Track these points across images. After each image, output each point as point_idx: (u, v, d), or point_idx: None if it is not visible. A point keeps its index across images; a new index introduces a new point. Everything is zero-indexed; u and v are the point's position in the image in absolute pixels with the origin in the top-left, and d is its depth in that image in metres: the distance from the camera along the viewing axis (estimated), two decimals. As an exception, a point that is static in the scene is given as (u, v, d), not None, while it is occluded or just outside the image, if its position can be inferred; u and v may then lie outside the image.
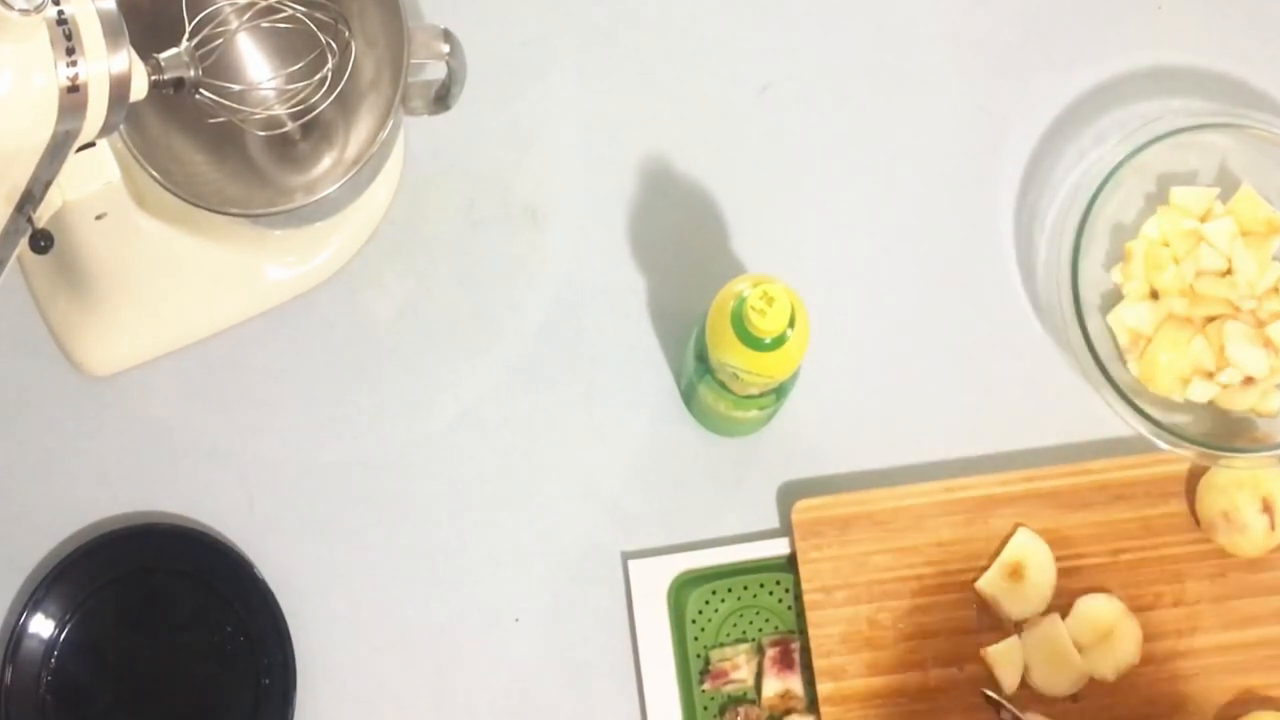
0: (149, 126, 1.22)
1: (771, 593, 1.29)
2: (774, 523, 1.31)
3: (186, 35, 1.13)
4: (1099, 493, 1.28)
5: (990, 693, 1.24)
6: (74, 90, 0.95)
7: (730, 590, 1.29)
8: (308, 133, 1.26)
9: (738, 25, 1.41)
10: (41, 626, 1.28)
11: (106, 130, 1.00)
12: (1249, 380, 1.29)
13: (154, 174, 1.18)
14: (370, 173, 1.24)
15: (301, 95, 1.20)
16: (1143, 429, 1.27)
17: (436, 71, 1.24)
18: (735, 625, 1.29)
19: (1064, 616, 1.26)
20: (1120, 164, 1.30)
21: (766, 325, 1.10)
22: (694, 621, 1.28)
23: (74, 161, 1.02)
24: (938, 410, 1.33)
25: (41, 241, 1.07)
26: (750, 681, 1.27)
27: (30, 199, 1.02)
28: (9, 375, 1.34)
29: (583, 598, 1.30)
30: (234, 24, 1.19)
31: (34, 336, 1.34)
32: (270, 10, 1.19)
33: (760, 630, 1.28)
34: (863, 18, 1.41)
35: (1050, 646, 1.25)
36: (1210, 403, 1.30)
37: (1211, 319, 1.30)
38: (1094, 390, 1.29)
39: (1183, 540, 1.28)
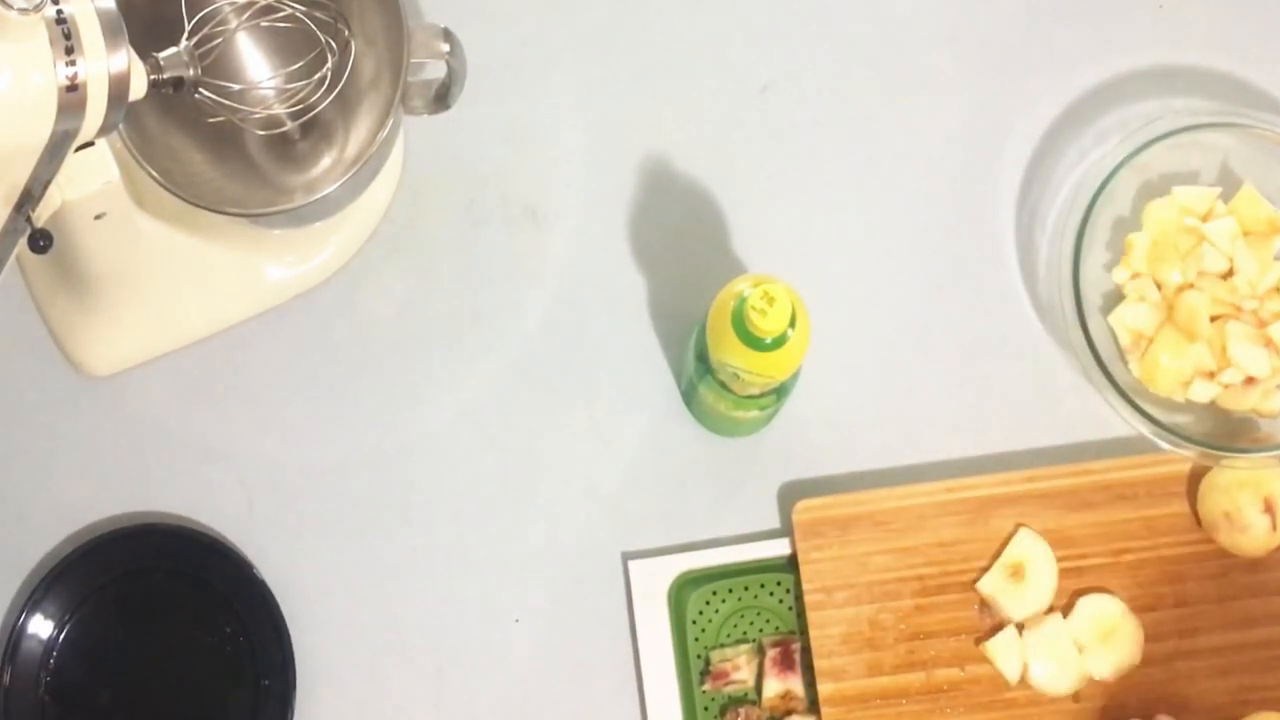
0: (148, 126, 1.22)
1: (772, 593, 1.29)
2: (775, 523, 1.31)
3: (186, 34, 1.13)
4: (1100, 493, 1.28)
5: None
6: (73, 89, 0.95)
7: (731, 591, 1.29)
8: (307, 132, 1.26)
9: (738, 25, 1.41)
10: (40, 627, 1.28)
11: (105, 130, 1.00)
12: (1250, 380, 1.29)
13: (153, 174, 1.18)
14: (370, 172, 1.24)
15: (301, 94, 1.20)
16: (1144, 429, 1.27)
17: (436, 71, 1.24)
18: (736, 626, 1.28)
19: (1065, 616, 1.26)
20: (1122, 163, 1.30)
21: (767, 325, 1.10)
22: (694, 622, 1.28)
23: (73, 161, 1.02)
24: (939, 410, 1.33)
25: (40, 241, 1.07)
26: (751, 682, 1.27)
27: (29, 198, 1.02)
28: (8, 375, 1.34)
29: (583, 598, 1.30)
30: (233, 23, 1.19)
31: (33, 336, 1.34)
32: (269, 9, 1.18)
33: (761, 631, 1.28)
34: (863, 17, 1.41)
35: (1051, 645, 1.25)
36: (1212, 403, 1.30)
37: (1213, 319, 1.30)
38: (1095, 390, 1.29)
39: (1184, 540, 1.28)
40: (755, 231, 1.36)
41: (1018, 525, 1.27)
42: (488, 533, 1.31)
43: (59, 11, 0.94)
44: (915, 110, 1.39)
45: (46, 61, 0.94)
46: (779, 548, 1.29)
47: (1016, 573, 1.26)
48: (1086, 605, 1.26)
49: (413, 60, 1.19)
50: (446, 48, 1.20)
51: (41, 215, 1.08)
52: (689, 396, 1.31)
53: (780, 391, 1.22)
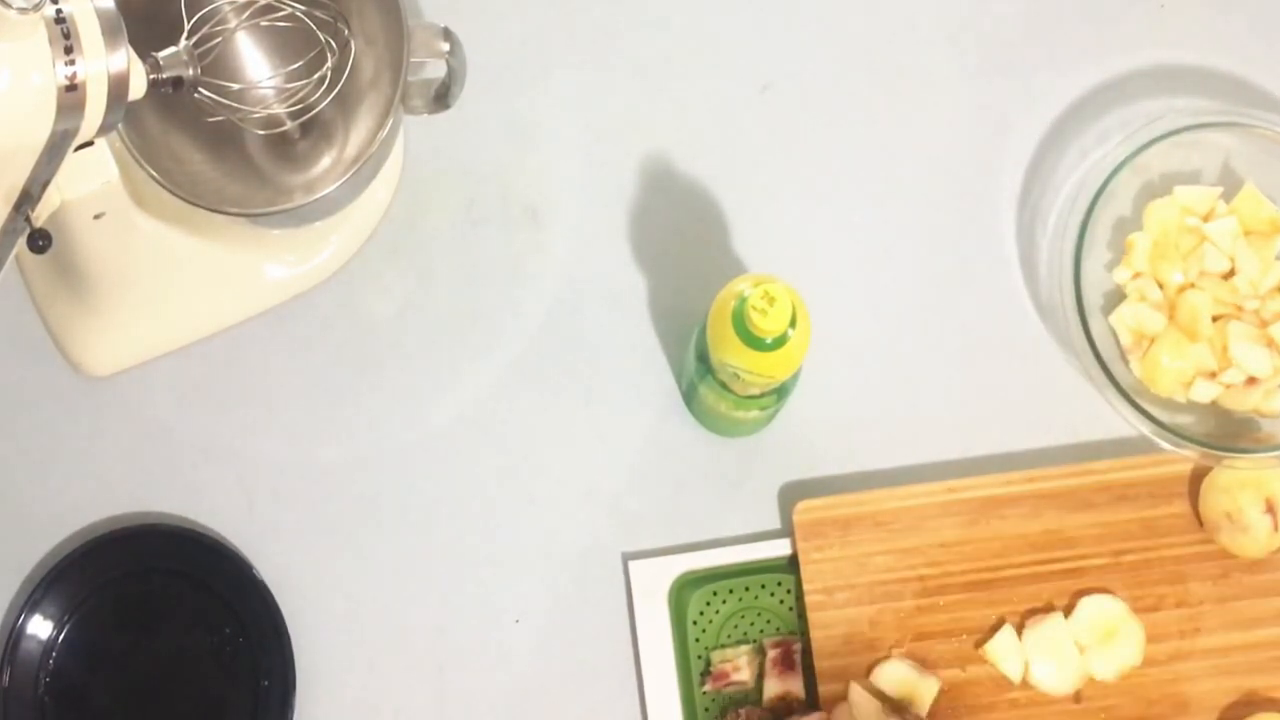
0: (148, 125, 1.21)
1: (773, 594, 1.29)
2: (775, 523, 1.31)
3: (185, 34, 1.13)
4: (1102, 493, 1.28)
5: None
6: (72, 89, 0.95)
7: (731, 591, 1.28)
8: (307, 132, 1.26)
9: (738, 24, 1.40)
10: (40, 628, 1.28)
11: (105, 129, 1.00)
12: (1252, 380, 1.29)
13: (153, 173, 1.17)
14: (370, 172, 1.24)
15: (301, 94, 1.20)
16: (1145, 429, 1.27)
17: (436, 70, 1.24)
18: (736, 626, 1.28)
19: (1067, 616, 1.26)
20: (1123, 163, 1.30)
21: (768, 325, 1.10)
22: (695, 622, 1.28)
23: (72, 160, 1.02)
24: (940, 410, 1.33)
25: (40, 241, 1.07)
26: (751, 683, 1.27)
27: (28, 198, 1.02)
28: (7, 375, 1.34)
29: (583, 599, 1.30)
30: (233, 22, 1.19)
31: (32, 336, 1.33)
32: (269, 9, 1.18)
33: (761, 631, 1.28)
34: (864, 16, 1.41)
35: (1052, 646, 1.25)
36: (1213, 403, 1.30)
37: (1215, 319, 1.29)
38: (1096, 390, 1.29)
39: (1186, 541, 1.28)
40: (756, 231, 1.36)
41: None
42: (488, 533, 1.31)
43: (58, 11, 0.94)
44: (916, 110, 1.39)
45: (45, 61, 0.94)
46: (780, 548, 1.29)
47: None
48: (1088, 606, 1.26)
49: (413, 59, 1.19)
50: (446, 47, 1.20)
51: (40, 215, 1.08)
52: (689, 396, 1.30)
53: (781, 391, 1.22)
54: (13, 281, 1.34)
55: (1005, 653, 1.25)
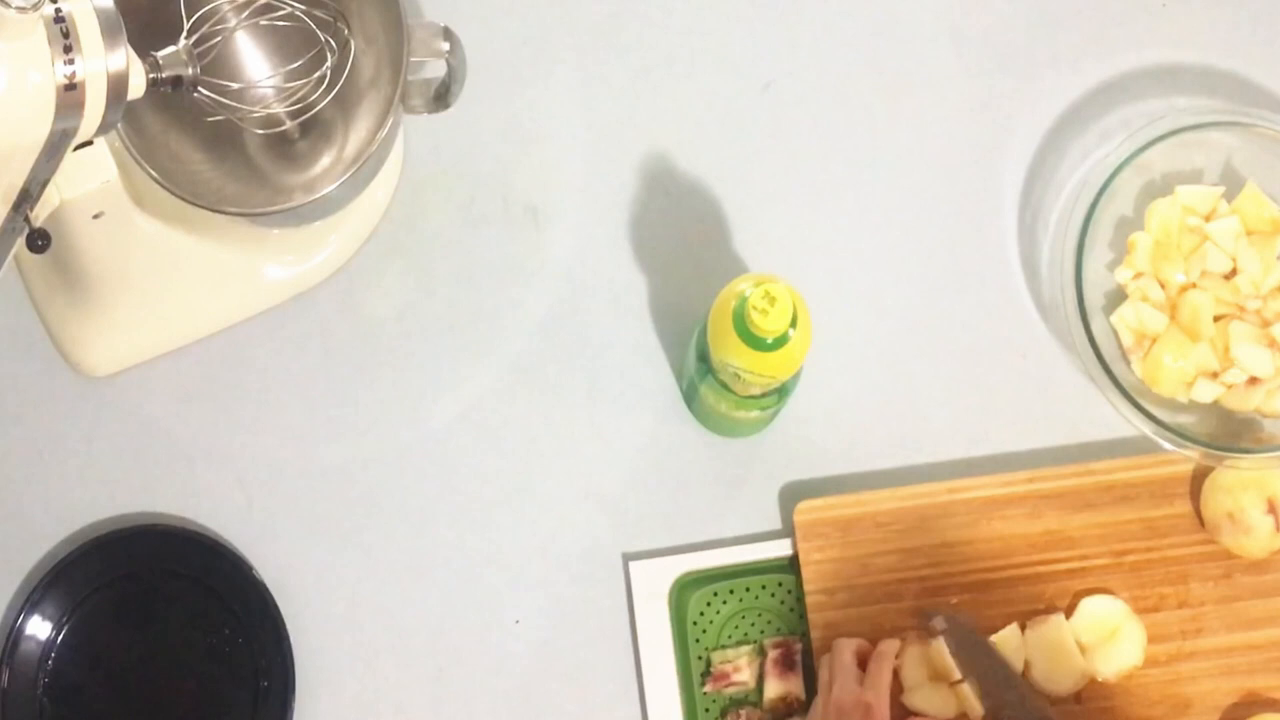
0: (147, 125, 1.21)
1: (773, 594, 1.28)
2: (776, 524, 1.31)
3: (184, 33, 1.13)
4: (1103, 494, 1.28)
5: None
6: (71, 88, 0.95)
7: (732, 592, 1.28)
8: (306, 131, 1.26)
9: (740, 23, 1.40)
10: (38, 628, 1.28)
11: (104, 129, 1.00)
12: (1254, 380, 1.29)
13: (152, 173, 1.17)
14: (369, 171, 1.23)
15: (300, 93, 1.19)
16: (1147, 429, 1.26)
17: (436, 69, 1.24)
18: (737, 627, 1.28)
19: (1068, 617, 1.25)
20: (1125, 162, 1.30)
21: (768, 325, 1.10)
22: (695, 623, 1.28)
23: (71, 160, 1.02)
24: (940, 410, 1.33)
25: (39, 240, 1.07)
26: (752, 684, 1.26)
27: (27, 197, 1.02)
28: (6, 376, 1.34)
29: (583, 599, 1.30)
30: (232, 22, 1.19)
31: (31, 336, 1.33)
32: (268, 8, 1.18)
33: (762, 632, 1.28)
34: (865, 15, 1.40)
35: (1054, 646, 1.25)
36: (1215, 403, 1.30)
37: (1217, 319, 1.29)
38: (1098, 390, 1.28)
39: (1187, 541, 1.28)
40: (756, 231, 1.36)
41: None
42: (488, 533, 1.31)
43: (57, 10, 0.94)
44: (918, 109, 1.39)
45: (45, 60, 0.93)
46: (780, 548, 1.28)
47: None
48: (1089, 606, 1.26)
49: (412, 59, 1.19)
50: (446, 46, 1.20)
51: (39, 214, 1.08)
52: (690, 396, 1.30)
53: (782, 391, 1.22)
54: (11, 281, 1.34)
55: (1006, 654, 1.24)
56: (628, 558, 1.30)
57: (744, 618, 1.28)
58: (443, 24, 1.20)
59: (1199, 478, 1.28)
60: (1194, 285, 1.30)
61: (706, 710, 1.27)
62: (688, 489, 1.32)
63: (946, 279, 1.36)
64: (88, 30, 0.95)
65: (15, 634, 1.27)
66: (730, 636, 1.28)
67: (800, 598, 1.27)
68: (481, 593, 1.30)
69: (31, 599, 1.27)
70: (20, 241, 1.06)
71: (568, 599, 1.30)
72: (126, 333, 1.31)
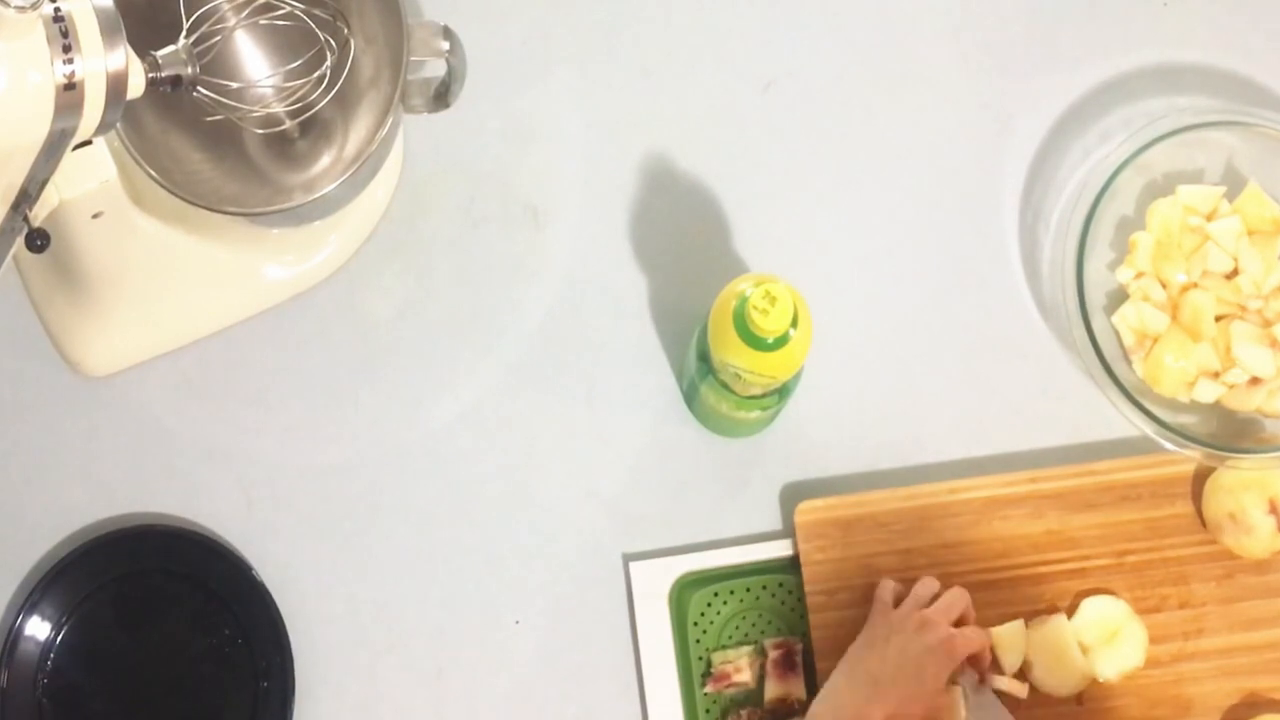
0: (146, 124, 1.21)
1: (774, 595, 1.28)
2: (777, 524, 1.30)
3: (184, 32, 1.13)
4: (1104, 494, 1.28)
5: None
6: (70, 88, 0.95)
7: (732, 592, 1.28)
8: (306, 131, 1.26)
9: (740, 23, 1.40)
10: (38, 629, 1.28)
11: (103, 128, 0.99)
12: (1255, 380, 1.28)
13: (151, 172, 1.17)
14: (369, 171, 1.23)
15: (300, 93, 1.19)
16: (1148, 429, 1.26)
17: (436, 69, 1.23)
18: (737, 628, 1.28)
19: (1069, 617, 1.25)
20: (1126, 162, 1.30)
21: (769, 325, 1.10)
22: (695, 624, 1.28)
23: (70, 159, 1.02)
24: (941, 410, 1.33)
25: (38, 240, 1.06)
26: (753, 684, 1.26)
27: (26, 197, 1.02)
28: (4, 376, 1.34)
29: (583, 600, 1.30)
30: (232, 21, 1.19)
31: (30, 336, 1.33)
32: (268, 7, 1.18)
33: (763, 633, 1.28)
34: (866, 15, 1.40)
35: (1055, 647, 1.24)
36: (1216, 403, 1.30)
37: (1218, 319, 1.29)
38: (1099, 390, 1.28)
39: (1189, 542, 1.28)
40: (757, 230, 1.36)
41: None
42: (488, 534, 1.31)
43: (56, 9, 0.93)
44: (918, 109, 1.39)
45: (44, 59, 0.93)
46: (781, 549, 1.28)
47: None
48: (1090, 607, 1.25)
49: (412, 58, 1.19)
50: (446, 46, 1.20)
51: (39, 214, 1.07)
52: (690, 397, 1.30)
53: (782, 392, 1.22)
54: (10, 281, 1.33)
55: (1005, 635, 1.24)
56: (628, 558, 1.29)
57: (744, 618, 1.28)
58: (443, 23, 1.20)
59: (1200, 478, 1.28)
60: (1195, 285, 1.30)
61: (707, 711, 1.26)
62: (688, 489, 1.31)
63: (947, 279, 1.35)
64: (87, 29, 0.95)
65: (14, 634, 1.27)
66: (731, 637, 1.28)
67: (801, 598, 1.27)
68: (482, 593, 1.30)
69: (31, 599, 1.27)
70: (19, 241, 1.06)
71: (568, 599, 1.30)
72: (126, 332, 1.31)
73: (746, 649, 1.27)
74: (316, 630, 1.29)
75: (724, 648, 1.28)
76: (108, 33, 0.96)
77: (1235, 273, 1.30)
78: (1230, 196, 1.32)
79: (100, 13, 0.96)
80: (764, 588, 1.28)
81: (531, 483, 1.32)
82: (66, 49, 0.94)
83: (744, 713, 1.25)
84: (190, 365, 1.34)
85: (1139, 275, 1.31)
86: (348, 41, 1.20)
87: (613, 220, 1.37)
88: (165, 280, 1.29)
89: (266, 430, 1.33)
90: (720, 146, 1.38)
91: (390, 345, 1.34)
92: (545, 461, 1.32)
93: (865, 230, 1.37)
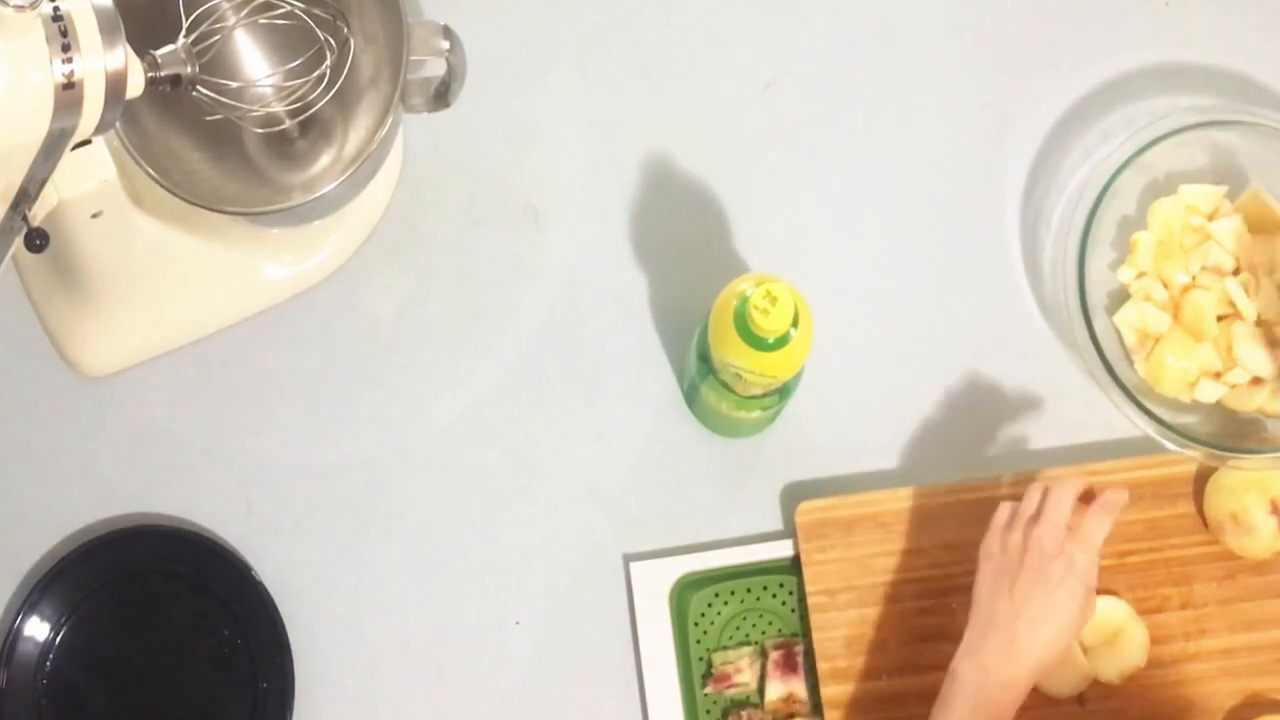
0: (145, 124, 1.21)
1: (775, 595, 1.28)
2: (777, 524, 1.30)
3: (183, 32, 1.12)
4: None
5: None
6: (69, 87, 0.94)
7: (733, 593, 1.28)
8: (306, 130, 1.26)
9: (741, 22, 1.40)
10: (37, 630, 1.27)
11: (102, 128, 0.99)
12: (1257, 381, 1.28)
13: (151, 172, 1.17)
14: (369, 171, 1.23)
15: (300, 92, 1.19)
16: (1150, 430, 1.26)
17: (436, 68, 1.23)
18: (738, 628, 1.28)
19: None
20: (1127, 162, 1.29)
21: (770, 325, 1.10)
22: (696, 624, 1.27)
23: (69, 159, 1.01)
24: (943, 411, 1.33)
25: (37, 240, 1.06)
26: (753, 685, 1.26)
27: (25, 197, 1.01)
28: (4, 376, 1.34)
29: (584, 600, 1.29)
30: (231, 20, 1.19)
31: (29, 336, 1.33)
32: (268, 6, 1.18)
33: (763, 633, 1.28)
34: (866, 14, 1.40)
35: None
36: (1218, 403, 1.30)
37: (1220, 319, 1.29)
38: (1101, 391, 1.28)
39: (1190, 542, 1.27)
40: (758, 230, 1.36)
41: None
42: (488, 534, 1.31)
43: (55, 9, 0.93)
44: (919, 108, 1.39)
45: (43, 59, 0.93)
46: (782, 549, 1.28)
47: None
48: (1092, 606, 1.25)
49: (412, 58, 1.19)
50: (446, 45, 1.19)
51: (38, 214, 1.07)
52: (691, 396, 1.30)
53: (783, 392, 1.22)
54: (10, 281, 1.33)
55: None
56: (628, 558, 1.29)
57: (745, 619, 1.28)
58: (443, 22, 1.20)
59: (1202, 478, 1.28)
60: (1197, 285, 1.30)
61: (708, 712, 1.26)
62: (689, 489, 1.31)
63: (948, 279, 1.35)
64: (86, 29, 0.95)
65: (14, 635, 1.27)
66: (731, 638, 1.28)
67: (802, 599, 1.27)
68: (482, 594, 1.30)
69: (30, 600, 1.27)
70: (18, 241, 1.05)
71: (568, 600, 1.29)
72: (125, 332, 1.31)
73: (747, 649, 1.27)
74: (316, 631, 1.28)
75: (725, 648, 1.27)
76: (107, 32, 0.96)
77: (1237, 272, 1.30)
78: (1232, 196, 1.32)
79: (99, 12, 0.96)
80: (765, 588, 1.28)
81: (531, 483, 1.32)
82: (65, 48, 0.94)
83: (745, 713, 1.25)
84: (190, 365, 1.33)
85: (1140, 275, 1.31)
86: (347, 41, 1.20)
87: (613, 220, 1.36)
88: (165, 280, 1.29)
89: (266, 430, 1.33)
90: (721, 146, 1.37)
91: (390, 345, 1.34)
92: (545, 461, 1.32)
93: (866, 230, 1.36)
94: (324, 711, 1.28)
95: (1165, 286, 1.30)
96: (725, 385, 1.20)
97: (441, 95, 1.24)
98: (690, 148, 1.37)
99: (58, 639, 1.28)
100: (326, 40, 1.19)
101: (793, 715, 1.25)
